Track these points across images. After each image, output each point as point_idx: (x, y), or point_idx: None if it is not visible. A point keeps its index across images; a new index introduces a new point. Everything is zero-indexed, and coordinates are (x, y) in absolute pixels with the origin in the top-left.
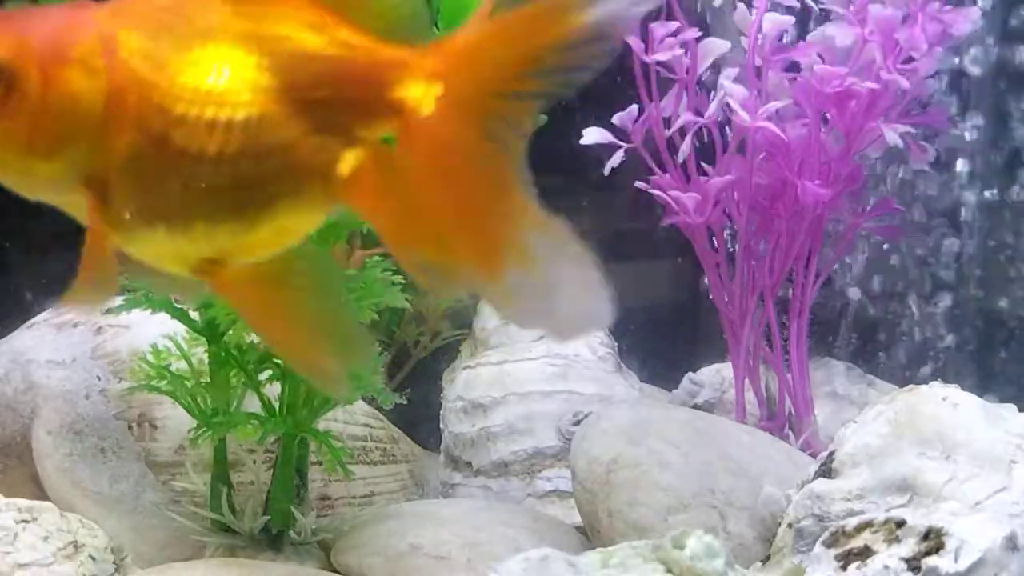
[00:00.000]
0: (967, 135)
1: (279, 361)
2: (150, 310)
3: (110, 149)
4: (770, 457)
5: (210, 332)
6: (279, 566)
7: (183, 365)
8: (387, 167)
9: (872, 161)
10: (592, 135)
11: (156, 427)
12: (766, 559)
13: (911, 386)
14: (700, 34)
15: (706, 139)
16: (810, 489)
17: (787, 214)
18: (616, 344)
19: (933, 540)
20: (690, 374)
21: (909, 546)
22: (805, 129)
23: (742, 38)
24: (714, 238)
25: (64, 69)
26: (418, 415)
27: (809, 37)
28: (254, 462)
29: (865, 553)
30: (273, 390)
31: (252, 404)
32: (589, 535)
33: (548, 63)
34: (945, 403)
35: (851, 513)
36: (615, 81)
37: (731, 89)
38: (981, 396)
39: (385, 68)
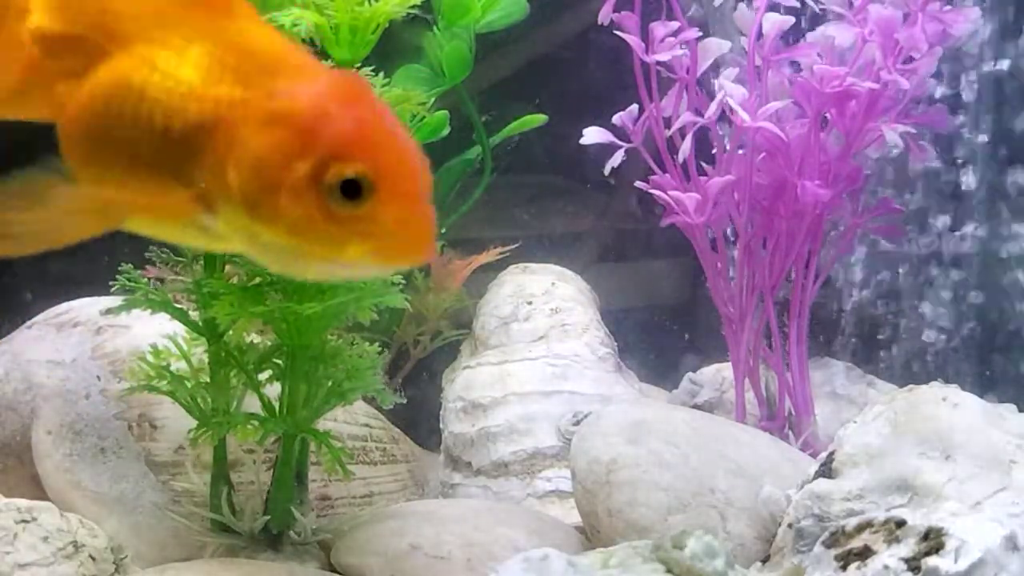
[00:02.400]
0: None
1: (279, 361)
2: (150, 310)
3: None
4: (770, 457)
5: (210, 332)
6: (279, 566)
7: (183, 365)
8: None
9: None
10: (592, 135)
11: (156, 427)
12: (766, 559)
13: (911, 386)
14: (700, 34)
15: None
16: (810, 489)
17: (787, 214)
18: (616, 344)
19: (933, 540)
20: (690, 374)
21: (909, 546)
22: (805, 129)
23: (742, 38)
24: (714, 238)
25: None
26: (418, 415)
27: (809, 37)
28: (254, 462)
29: (865, 553)
30: (273, 390)
31: (252, 404)
32: (589, 535)
33: None
34: (945, 403)
35: (851, 513)
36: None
37: (731, 89)
38: (981, 396)
39: None
